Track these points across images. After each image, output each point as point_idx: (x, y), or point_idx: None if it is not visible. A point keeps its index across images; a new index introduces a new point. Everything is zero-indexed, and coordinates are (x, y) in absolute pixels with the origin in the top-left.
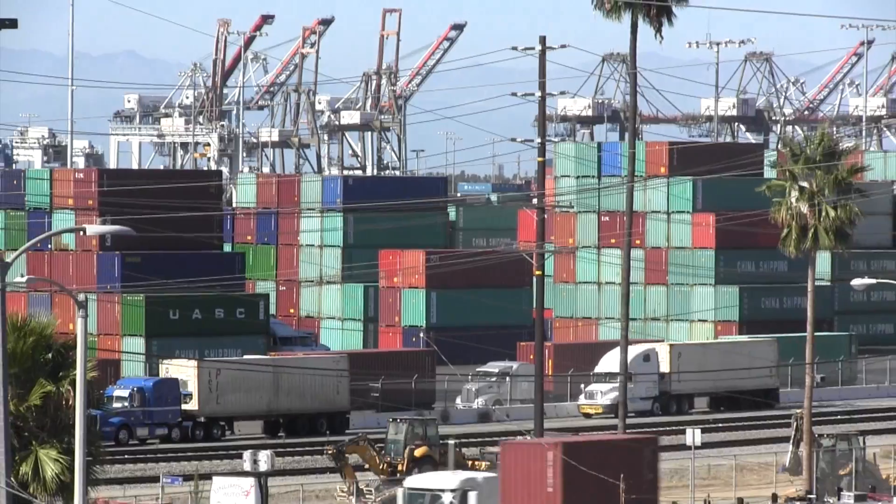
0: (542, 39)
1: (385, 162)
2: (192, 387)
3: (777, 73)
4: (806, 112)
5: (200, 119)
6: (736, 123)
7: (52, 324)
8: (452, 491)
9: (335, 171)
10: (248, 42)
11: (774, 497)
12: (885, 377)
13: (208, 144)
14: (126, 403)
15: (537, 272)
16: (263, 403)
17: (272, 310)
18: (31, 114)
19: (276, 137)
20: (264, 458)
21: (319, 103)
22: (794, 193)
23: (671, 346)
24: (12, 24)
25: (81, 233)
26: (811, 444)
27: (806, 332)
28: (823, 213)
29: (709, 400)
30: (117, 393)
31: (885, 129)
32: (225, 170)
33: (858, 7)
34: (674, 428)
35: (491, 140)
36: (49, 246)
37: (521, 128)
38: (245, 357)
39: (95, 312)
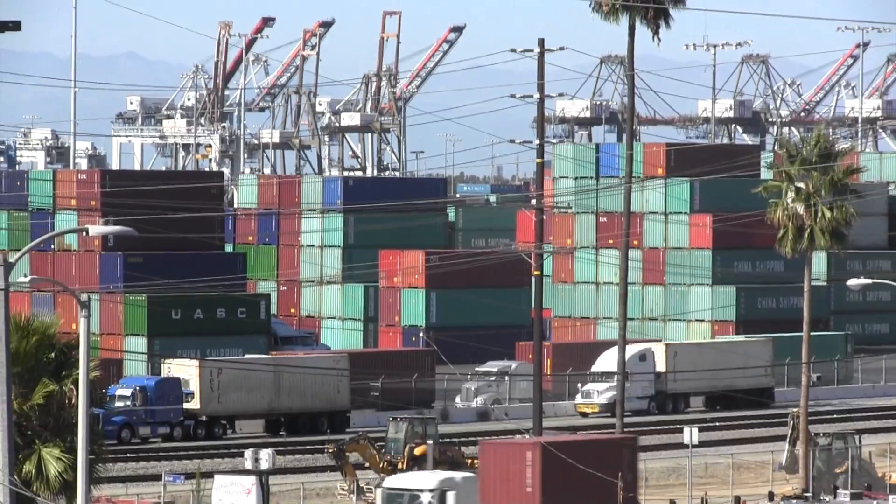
0: (541, 42)
1: (385, 163)
2: (194, 386)
3: (773, 74)
4: (802, 114)
5: (202, 121)
6: (733, 125)
7: (55, 323)
8: (431, 491)
9: (336, 173)
10: (250, 44)
11: (771, 495)
12: (881, 376)
13: (210, 146)
14: (128, 402)
15: (536, 272)
16: (264, 402)
17: (273, 310)
18: (35, 115)
19: (277, 139)
20: (265, 457)
21: (320, 105)
22: (791, 194)
23: (667, 345)
24: (16, 26)
25: (84, 233)
26: (807, 443)
27: (802, 331)
28: (819, 214)
29: (704, 399)
30: (120, 392)
31: (880, 130)
32: (226, 171)
33: (854, 9)
34: (671, 427)
35: (490, 141)
36: (52, 246)
37: (519, 129)
38: (246, 356)
39: (98, 312)
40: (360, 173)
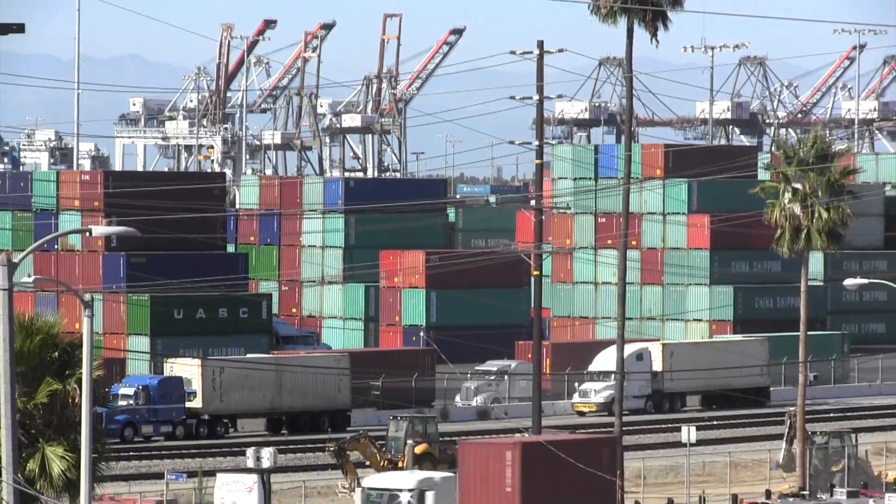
0: (540, 44)
1: (386, 164)
2: (196, 385)
3: (771, 76)
4: (799, 115)
5: (204, 122)
6: (730, 126)
7: (59, 323)
8: (410, 490)
9: (337, 174)
10: (251, 46)
11: (768, 493)
12: (877, 376)
13: (212, 147)
14: (131, 401)
15: (535, 272)
16: (266, 401)
17: (275, 309)
18: (38, 117)
19: (278, 140)
20: (267, 455)
21: (321, 106)
22: (788, 195)
23: (664, 345)
24: (20, 28)
25: (87, 234)
26: (804, 442)
27: (799, 331)
28: (816, 215)
29: (701, 398)
30: (123, 391)
31: (876, 131)
32: (228, 172)
33: (851, 12)
34: (668, 425)
35: (489, 142)
36: (56, 247)
37: (519, 130)
38: (248, 356)
39: (101, 312)
40: (360, 174)
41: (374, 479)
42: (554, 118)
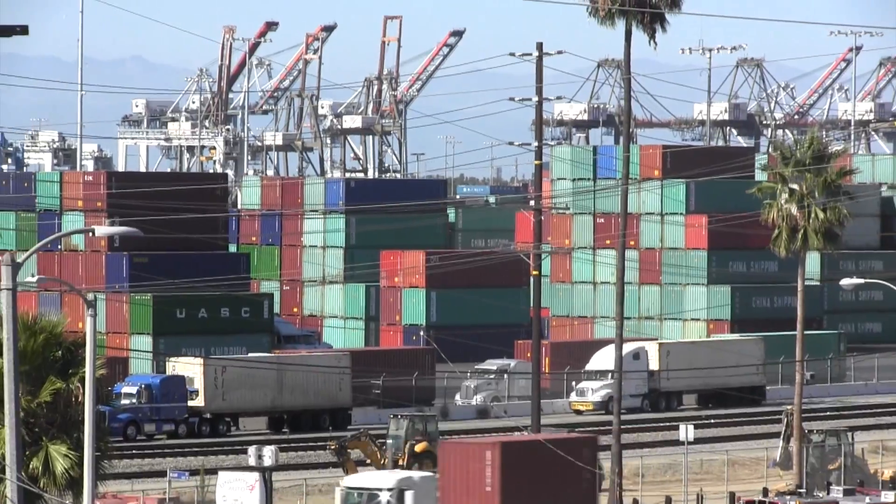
0: (539, 46)
1: (386, 165)
2: (199, 384)
3: (768, 78)
4: (796, 116)
5: (206, 123)
6: (728, 127)
7: (62, 322)
8: (389, 490)
9: (338, 174)
10: (253, 48)
11: (765, 491)
12: (873, 375)
13: (214, 148)
14: (134, 400)
15: (534, 272)
16: (268, 400)
17: (276, 309)
18: (42, 118)
19: (280, 141)
20: (269, 454)
21: (322, 108)
22: (785, 195)
23: (660, 344)
24: (23, 30)
25: (90, 234)
26: (801, 440)
27: (796, 330)
28: (813, 215)
29: (697, 397)
30: (125, 390)
31: (872, 132)
32: (230, 172)
33: (847, 14)
34: (666, 424)
35: (489, 143)
36: (59, 247)
37: (518, 132)
38: (250, 355)
39: (104, 311)
40: (361, 175)
41: (353, 479)
42: (553, 119)
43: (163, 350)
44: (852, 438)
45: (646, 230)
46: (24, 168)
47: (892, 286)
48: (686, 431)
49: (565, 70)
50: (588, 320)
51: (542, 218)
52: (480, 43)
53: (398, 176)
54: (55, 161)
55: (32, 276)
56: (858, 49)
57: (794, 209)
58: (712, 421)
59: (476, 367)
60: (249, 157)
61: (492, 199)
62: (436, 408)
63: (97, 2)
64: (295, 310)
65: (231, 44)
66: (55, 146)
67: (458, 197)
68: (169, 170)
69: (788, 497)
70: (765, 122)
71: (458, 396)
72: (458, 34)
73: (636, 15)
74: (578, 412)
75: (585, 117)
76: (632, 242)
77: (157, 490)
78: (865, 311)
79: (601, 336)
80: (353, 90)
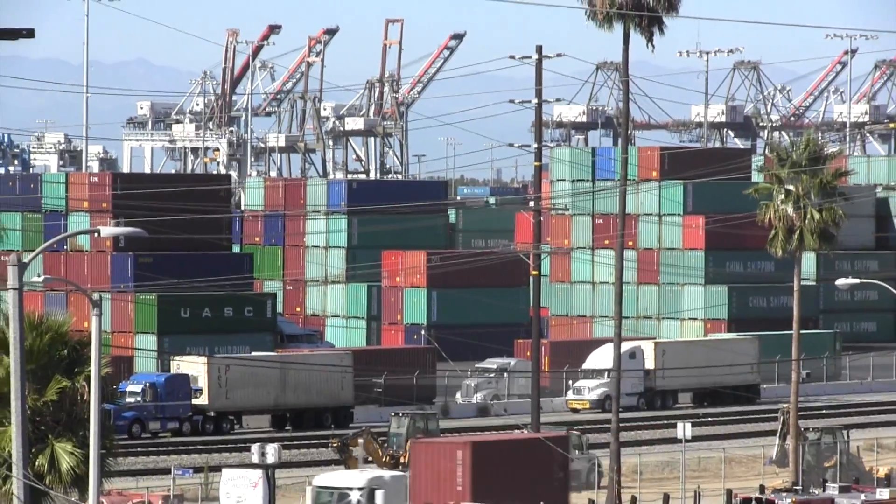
0: (539, 49)
1: (388, 166)
2: (203, 382)
3: (764, 80)
4: (792, 118)
5: (210, 125)
6: (725, 129)
7: (68, 322)
8: (360, 489)
9: (340, 175)
10: (256, 51)
11: (762, 488)
12: (868, 373)
13: (218, 149)
14: (139, 398)
15: (534, 272)
16: (271, 398)
17: (279, 308)
18: (48, 120)
19: (282, 143)
20: (272, 451)
21: (325, 110)
22: (781, 196)
23: (656, 343)
24: (30, 33)
25: (96, 234)
26: (797, 438)
27: (792, 329)
28: (809, 216)
29: (692, 395)
30: (130, 388)
31: (868, 134)
32: (234, 174)
33: (843, 17)
34: (663, 422)
35: (489, 145)
36: (65, 247)
37: (518, 133)
38: (253, 354)
39: (109, 311)
40: (363, 176)
41: (324, 478)
42: (552, 121)
43: (167, 349)
44: (848, 436)
45: (644, 231)
46: (31, 169)
47: (886, 286)
48: (684, 429)
49: (564, 73)
50: (587, 320)
51: (542, 219)
52: (481, 46)
53: (399, 177)
54: (61, 162)
55: (38, 275)
56: (854, 52)
57: (790, 210)
58: (709, 419)
59: (476, 365)
60: (253, 159)
61: (492, 200)
62: (437, 406)
63: (102, 5)
64: (297, 309)
65: (234, 47)
66: (61, 148)
67: (458, 198)
68: (173, 171)
69: (785, 494)
70: (761, 124)
71: (458, 395)
72: (458, 37)
73: (634, 18)
74: (575, 411)
75: (584, 119)
76: (630, 243)
77: (161, 487)
78: (861, 311)
79: (600, 335)
80: (354, 92)
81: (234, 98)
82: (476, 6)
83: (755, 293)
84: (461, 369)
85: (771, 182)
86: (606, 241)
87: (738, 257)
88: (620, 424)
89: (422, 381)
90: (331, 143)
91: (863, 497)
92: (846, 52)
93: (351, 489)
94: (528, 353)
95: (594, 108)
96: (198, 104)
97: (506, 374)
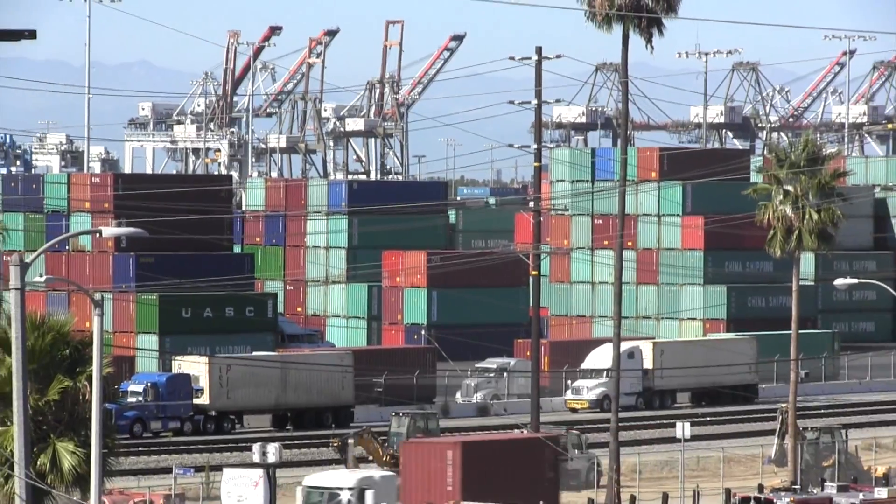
0: (538, 50)
1: (388, 167)
2: (204, 382)
3: (763, 81)
4: (791, 119)
5: (211, 126)
6: (724, 130)
7: (70, 322)
8: (350, 489)
9: (340, 176)
10: (257, 52)
11: (761, 487)
12: (867, 373)
13: (219, 150)
14: (140, 398)
15: (534, 272)
16: (272, 398)
17: (280, 308)
18: (50, 121)
19: (283, 143)
20: (272, 451)
21: (325, 111)
22: (780, 197)
23: (654, 343)
24: (31, 35)
25: (98, 235)
26: (796, 437)
27: (791, 329)
28: (807, 216)
29: (690, 395)
30: (132, 388)
31: (866, 135)
32: (235, 174)
33: (841, 18)
34: (662, 422)
35: (489, 146)
36: (67, 247)
37: (517, 134)
38: (254, 354)
39: (111, 311)
40: (363, 177)
41: (314, 478)
42: (552, 122)
43: (168, 349)
44: (846, 436)
45: (643, 231)
46: (33, 170)
47: (885, 286)
48: (683, 429)
49: (564, 74)
50: (586, 319)
51: (542, 219)
52: (481, 47)
53: (400, 178)
54: (63, 163)
55: (40, 276)
56: (852, 53)
57: (788, 210)
58: (708, 419)
59: (476, 365)
60: (254, 160)
61: (492, 201)
62: (437, 406)
63: (103, 6)
64: (298, 309)
65: (236, 48)
66: (63, 148)
67: (458, 198)
68: (174, 172)
69: (783, 493)
70: (760, 125)
71: (458, 394)
72: (458, 38)
73: (633, 19)
74: (574, 410)
75: (584, 120)
76: (629, 243)
77: (162, 486)
78: (859, 311)
79: (599, 335)
80: (355, 93)
81: (235, 99)
82: (476, 7)
83: (754, 293)
84: (461, 369)
85: (770, 182)
86: (606, 242)
87: (736, 257)
88: (620, 424)
89: (422, 380)
90: (331, 143)
91: (861, 496)
92: (844, 53)
93: (341, 489)
94: (528, 353)
95: (593, 108)
96: (199, 105)
97: (505, 374)
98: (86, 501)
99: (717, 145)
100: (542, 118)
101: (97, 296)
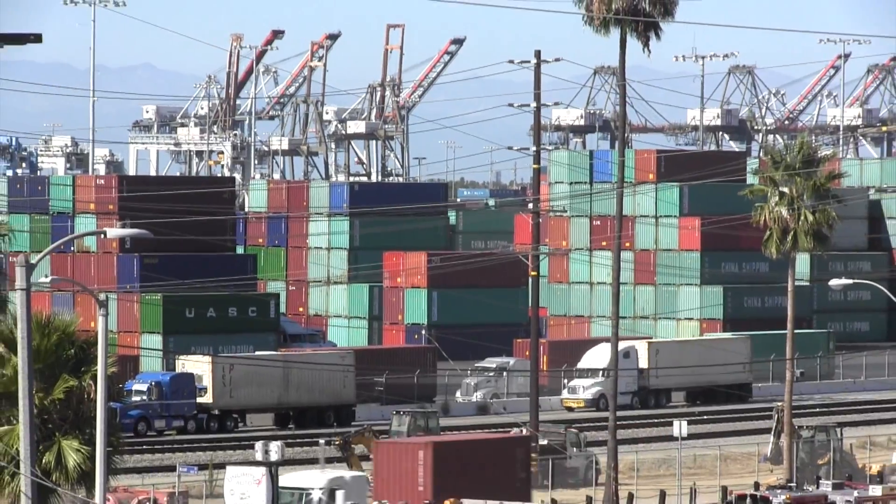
0: (537, 53)
1: (389, 169)
2: (207, 381)
3: (759, 84)
4: (786, 122)
5: (215, 128)
6: (720, 132)
7: (75, 322)
8: (321, 489)
9: (342, 178)
10: (260, 56)
11: (757, 485)
12: (861, 372)
13: (222, 152)
14: (144, 397)
15: (533, 273)
16: (274, 397)
17: (282, 308)
18: (55, 123)
19: (286, 146)
20: (275, 449)
21: (327, 113)
22: (775, 198)
23: (649, 343)
24: (37, 38)
25: (102, 236)
26: (791, 436)
27: (786, 329)
28: (803, 217)
29: (685, 394)
30: (136, 387)
31: (860, 138)
32: (238, 176)
33: (836, 22)
34: (658, 420)
35: (489, 148)
36: (72, 248)
37: (517, 137)
38: (257, 353)
39: (115, 311)
40: (365, 179)
41: (286, 478)
42: (551, 125)
43: (172, 348)
44: (841, 434)
45: (640, 232)
46: (38, 172)
47: (879, 286)
48: (680, 427)
49: (562, 77)
50: (584, 319)
51: (540, 220)
52: (480, 51)
53: (400, 179)
54: (68, 165)
55: (46, 276)
56: (847, 56)
57: (784, 212)
58: (705, 417)
59: (476, 364)
60: (256, 162)
61: (491, 202)
62: (437, 404)
63: (108, 10)
64: (300, 309)
65: (238, 51)
66: (68, 151)
67: (458, 200)
68: (178, 174)
69: (779, 491)
70: (756, 128)
71: (458, 393)
72: (458, 42)
73: (630, 23)
74: (570, 409)
75: (582, 123)
76: (627, 244)
77: (166, 484)
78: (854, 311)
79: (597, 335)
80: (356, 96)
81: (238, 102)
82: (476, 12)
83: (750, 293)
84: (461, 368)
85: (765, 184)
86: (604, 243)
87: (733, 258)
88: (621, 422)
89: (422, 379)
90: (333, 146)
91: (856, 494)
92: (839, 57)
93: (312, 489)
94: (527, 353)
95: (592, 111)
96: (202, 108)
97: (505, 373)
98: (90, 499)
99: (713, 147)
100: (541, 121)
101: (102, 296)
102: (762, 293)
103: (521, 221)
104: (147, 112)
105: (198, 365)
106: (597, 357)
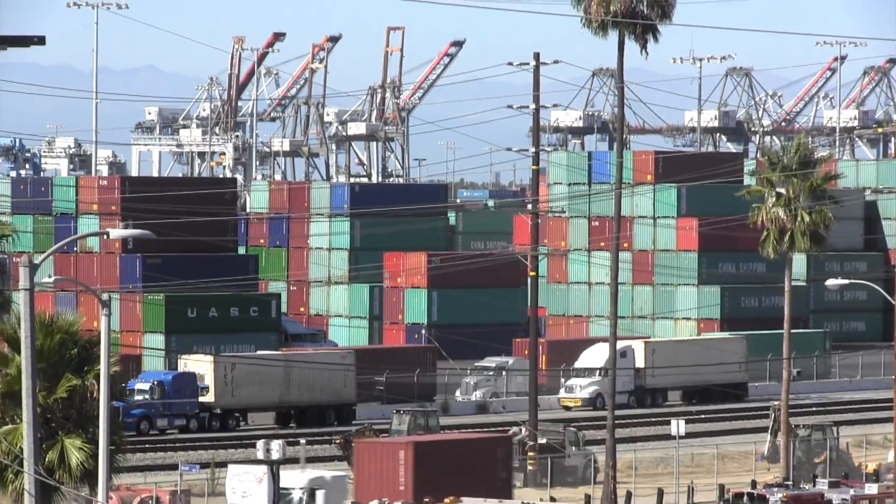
0: (536, 56)
1: (389, 170)
2: (209, 380)
3: (756, 86)
4: (783, 123)
5: (216, 130)
6: (717, 134)
7: (78, 321)
8: (301, 489)
9: (342, 179)
10: (262, 58)
11: (754, 483)
12: (857, 372)
13: (224, 154)
14: (147, 396)
15: (532, 273)
16: (275, 396)
17: (283, 308)
18: (58, 125)
19: (287, 147)
20: (276, 447)
21: (328, 115)
22: (772, 199)
23: (646, 342)
24: (40, 41)
25: (105, 236)
26: (788, 434)
27: (783, 329)
28: (799, 218)
29: (681, 393)
30: (139, 386)
31: (857, 139)
32: (239, 177)
33: (833, 25)
34: (656, 419)
35: (488, 149)
36: (75, 248)
37: (516, 138)
38: (258, 353)
39: (118, 311)
40: (365, 179)
41: None
42: (549, 126)
43: (175, 348)
44: (837, 433)
45: (639, 233)
46: (41, 173)
47: (875, 286)
48: (677, 426)
49: (561, 79)
50: (583, 319)
51: (539, 221)
52: (480, 53)
53: (401, 181)
54: (71, 166)
55: (49, 276)
56: (843, 58)
57: (781, 212)
58: (702, 416)
59: (475, 364)
60: (258, 163)
61: (490, 203)
62: (437, 403)
63: (111, 13)
64: (301, 309)
65: (240, 54)
66: (71, 152)
67: (458, 201)
68: (180, 175)
69: (776, 489)
70: (753, 129)
71: (458, 392)
72: (458, 44)
73: (628, 26)
74: (567, 408)
75: (581, 124)
76: (625, 244)
77: (168, 482)
78: (850, 311)
79: (596, 335)
80: (357, 98)
81: (239, 104)
82: (475, 14)
83: (747, 293)
84: (461, 368)
85: (762, 185)
86: (602, 243)
87: (730, 258)
88: (620, 421)
89: (422, 379)
90: (334, 147)
91: (852, 492)
92: (836, 59)
93: (292, 489)
94: (526, 352)
95: (590, 113)
96: (204, 109)
97: (504, 373)
98: (93, 497)
99: (711, 149)
100: (540, 122)
101: (105, 296)
102: (759, 293)
103: (520, 222)
104: (150, 114)
105: (200, 364)
106: (594, 357)
